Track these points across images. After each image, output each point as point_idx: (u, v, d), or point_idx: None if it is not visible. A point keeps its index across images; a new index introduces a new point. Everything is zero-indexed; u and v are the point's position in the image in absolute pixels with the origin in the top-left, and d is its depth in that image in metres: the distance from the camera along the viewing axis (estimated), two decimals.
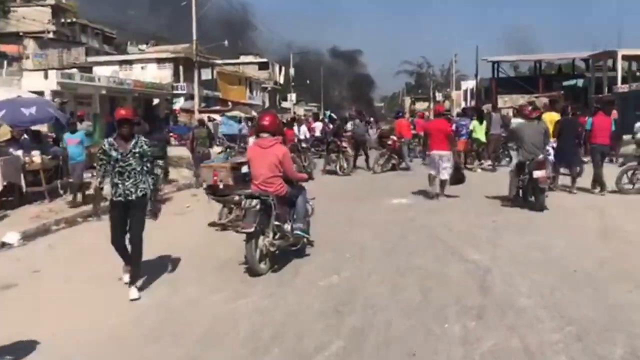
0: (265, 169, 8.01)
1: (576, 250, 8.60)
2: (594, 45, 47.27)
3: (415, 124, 24.75)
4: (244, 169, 9.38)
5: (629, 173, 14.08)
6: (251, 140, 19.67)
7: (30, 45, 51.09)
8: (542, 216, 11.54)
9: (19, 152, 14.73)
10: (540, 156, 12.09)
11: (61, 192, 15.03)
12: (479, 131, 19.72)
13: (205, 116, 30.55)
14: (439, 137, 13.54)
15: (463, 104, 68.26)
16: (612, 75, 42.03)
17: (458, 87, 76.33)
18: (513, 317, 5.87)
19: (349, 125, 23.49)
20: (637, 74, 44.97)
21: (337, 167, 19.82)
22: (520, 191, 12.37)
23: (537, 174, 11.84)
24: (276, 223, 7.88)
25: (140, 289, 7.18)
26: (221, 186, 10.36)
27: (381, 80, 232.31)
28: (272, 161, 8.00)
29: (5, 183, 14.05)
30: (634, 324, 5.64)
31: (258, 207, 7.67)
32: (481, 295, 6.63)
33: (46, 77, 32.82)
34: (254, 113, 42.59)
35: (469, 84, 71.00)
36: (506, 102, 52.59)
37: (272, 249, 7.75)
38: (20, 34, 51.22)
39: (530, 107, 14.43)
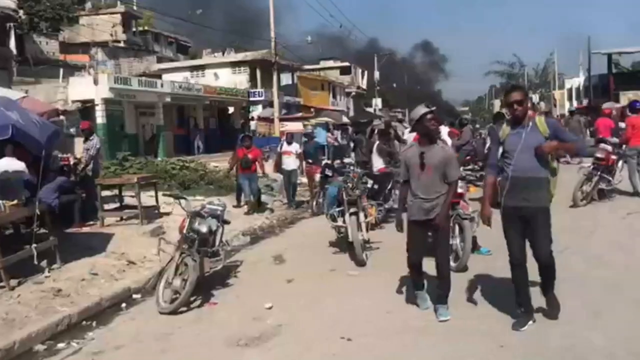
0: None
1: None
2: None
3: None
4: None
5: None
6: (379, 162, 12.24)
7: (99, 55, 45.18)
8: None
9: None
10: None
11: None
12: None
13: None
14: None
15: (568, 105, 58.59)
16: None
17: (561, 86, 66.12)
18: None
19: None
20: None
21: None
22: None
23: None
24: None
25: None
26: None
27: (465, 84, 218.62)
28: None
29: None
30: None
31: None
32: None
33: (96, 82, 25.83)
34: (345, 119, 34.96)
35: (574, 82, 60.96)
36: (630, 99, 42.92)
37: None
38: (90, 43, 45.52)
39: None
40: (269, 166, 15.99)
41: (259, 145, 24.30)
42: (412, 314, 6.02)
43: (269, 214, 13.65)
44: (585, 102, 51.35)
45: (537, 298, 5.71)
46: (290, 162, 14.49)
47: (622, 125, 16.72)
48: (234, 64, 44.21)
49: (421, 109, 5.89)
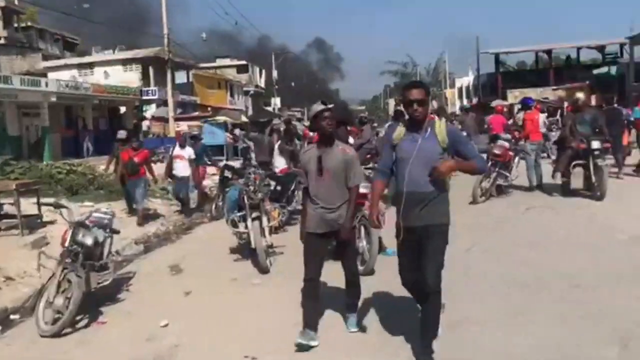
0: None
1: None
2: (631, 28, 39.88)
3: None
4: None
5: None
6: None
7: None
8: None
9: None
10: None
11: None
12: None
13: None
14: None
15: (458, 103, 60.71)
16: None
17: (452, 85, 68.41)
18: None
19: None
20: None
21: None
22: None
23: None
24: None
25: None
26: None
27: (361, 83, 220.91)
28: None
29: None
30: None
31: None
32: None
33: None
34: (243, 118, 34.26)
35: (464, 81, 63.30)
36: (517, 97, 45.03)
37: None
38: None
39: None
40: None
41: (152, 146, 23.35)
42: (320, 325, 5.58)
43: (164, 219, 12.87)
44: (475, 100, 53.37)
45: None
46: (182, 168, 13.20)
47: (510, 122, 17.45)
48: (125, 62, 42.49)
49: (317, 107, 5.34)
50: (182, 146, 13.48)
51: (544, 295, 6.10)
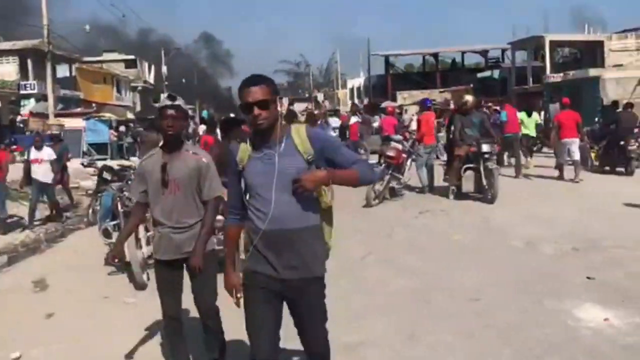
0: None
1: None
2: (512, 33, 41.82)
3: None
4: None
5: None
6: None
7: None
8: None
9: None
10: None
11: None
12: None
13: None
14: None
15: (350, 103, 61.32)
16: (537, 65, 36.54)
17: (344, 86, 68.98)
18: None
19: None
20: (561, 61, 39.38)
21: None
22: None
23: None
24: None
25: None
26: None
27: None
28: None
29: None
30: None
31: None
32: None
33: None
34: (130, 115, 32.53)
35: (355, 82, 64.04)
36: (406, 98, 46.04)
37: None
38: None
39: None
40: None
41: (29, 144, 21.45)
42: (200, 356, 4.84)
43: (33, 227, 11.61)
44: (366, 100, 54.12)
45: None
46: (42, 172, 11.86)
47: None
48: (1, 53, 39.45)
49: (162, 102, 4.28)
50: (39, 148, 12.08)
51: (445, 310, 5.68)
